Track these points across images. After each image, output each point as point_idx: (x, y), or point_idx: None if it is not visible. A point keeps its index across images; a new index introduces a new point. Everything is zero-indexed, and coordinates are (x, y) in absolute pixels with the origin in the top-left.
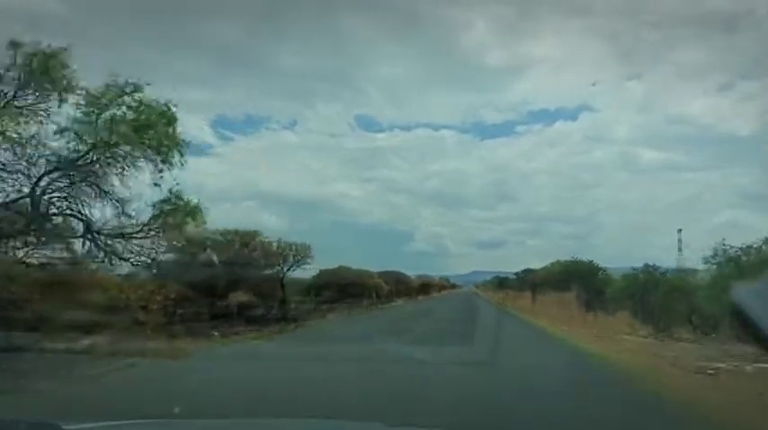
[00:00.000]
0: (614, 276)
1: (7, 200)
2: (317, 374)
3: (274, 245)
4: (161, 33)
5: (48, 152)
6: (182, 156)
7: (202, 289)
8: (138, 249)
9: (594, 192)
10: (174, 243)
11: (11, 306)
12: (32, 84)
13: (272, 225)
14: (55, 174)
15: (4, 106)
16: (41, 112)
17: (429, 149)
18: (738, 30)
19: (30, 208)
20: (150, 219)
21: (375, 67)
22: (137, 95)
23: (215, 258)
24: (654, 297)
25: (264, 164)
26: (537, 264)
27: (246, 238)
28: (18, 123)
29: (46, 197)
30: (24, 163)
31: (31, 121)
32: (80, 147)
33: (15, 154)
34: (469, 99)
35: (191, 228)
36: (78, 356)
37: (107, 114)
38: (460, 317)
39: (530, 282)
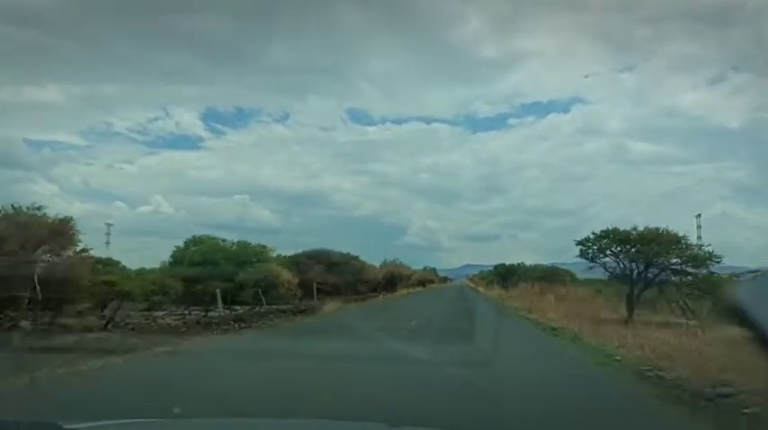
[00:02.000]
0: None
1: None
2: None
3: None
4: (150, 27)
5: None
6: None
7: None
8: None
9: (587, 185)
10: None
11: None
12: None
13: (264, 218)
14: None
15: None
16: None
17: (421, 143)
18: (730, 22)
19: None
20: None
21: (367, 60)
22: None
23: None
24: None
25: (256, 157)
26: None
27: None
28: None
29: None
30: None
31: None
32: None
33: None
34: (462, 92)
35: None
36: None
37: None
38: None
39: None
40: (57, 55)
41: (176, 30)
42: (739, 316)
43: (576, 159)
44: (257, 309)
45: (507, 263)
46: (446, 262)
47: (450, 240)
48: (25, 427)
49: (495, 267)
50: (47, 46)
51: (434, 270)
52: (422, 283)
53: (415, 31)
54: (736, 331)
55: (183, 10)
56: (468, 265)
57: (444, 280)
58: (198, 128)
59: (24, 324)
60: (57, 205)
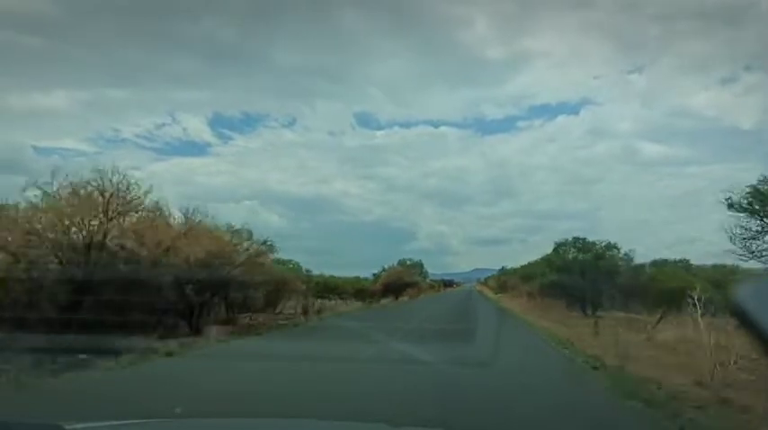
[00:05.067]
0: None
1: None
2: None
3: None
4: (156, 33)
5: None
6: None
7: None
8: None
9: (597, 187)
10: None
11: None
12: None
13: (273, 223)
14: None
15: None
16: None
17: (429, 146)
18: (741, 21)
19: None
20: None
21: (375, 63)
22: None
23: None
24: None
25: (264, 162)
26: None
27: None
28: None
29: None
30: None
31: None
32: None
33: None
34: (470, 95)
35: None
36: None
37: None
38: None
39: None
40: (63, 61)
41: (182, 35)
42: (741, 317)
43: (587, 161)
44: None
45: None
46: (456, 266)
47: (460, 244)
48: (27, 428)
49: (559, 246)
50: (53, 52)
51: (420, 266)
52: (393, 293)
53: (422, 34)
54: None
55: (189, 15)
56: (477, 269)
57: (449, 284)
58: (205, 133)
59: None
60: None
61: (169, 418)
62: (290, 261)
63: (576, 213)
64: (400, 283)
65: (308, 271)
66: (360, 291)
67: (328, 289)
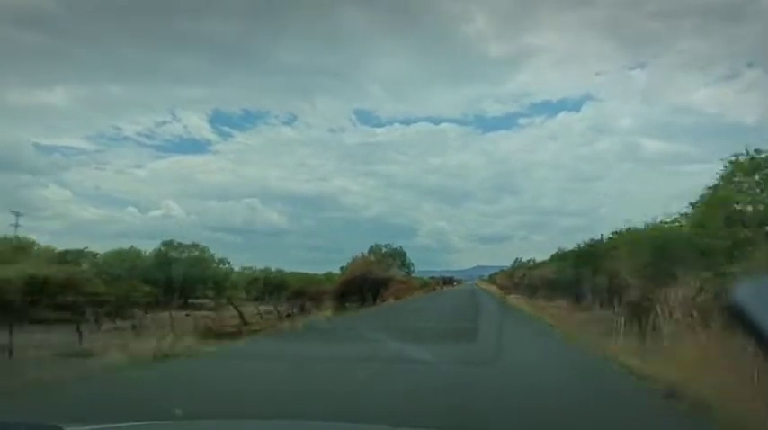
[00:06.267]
0: None
1: None
2: None
3: None
4: (157, 30)
5: None
6: None
7: None
8: None
9: (599, 185)
10: None
11: None
12: None
13: (273, 221)
14: None
15: None
16: None
17: (430, 143)
18: (742, 18)
19: None
20: None
21: (375, 60)
22: None
23: None
24: None
25: (264, 160)
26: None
27: None
28: None
29: None
30: None
31: None
32: None
33: None
34: (471, 92)
35: None
36: None
37: None
38: None
39: None
40: (64, 58)
41: (183, 32)
42: (740, 317)
43: (588, 158)
44: None
45: None
46: (457, 263)
47: (461, 241)
48: (26, 428)
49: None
50: (54, 49)
51: (401, 256)
52: (360, 294)
53: (422, 31)
54: None
55: (190, 12)
56: (479, 266)
57: (449, 282)
58: (206, 131)
59: None
60: (71, 210)
61: (169, 420)
62: (194, 246)
63: (578, 210)
64: (372, 280)
65: (222, 260)
66: (299, 293)
67: (273, 287)
